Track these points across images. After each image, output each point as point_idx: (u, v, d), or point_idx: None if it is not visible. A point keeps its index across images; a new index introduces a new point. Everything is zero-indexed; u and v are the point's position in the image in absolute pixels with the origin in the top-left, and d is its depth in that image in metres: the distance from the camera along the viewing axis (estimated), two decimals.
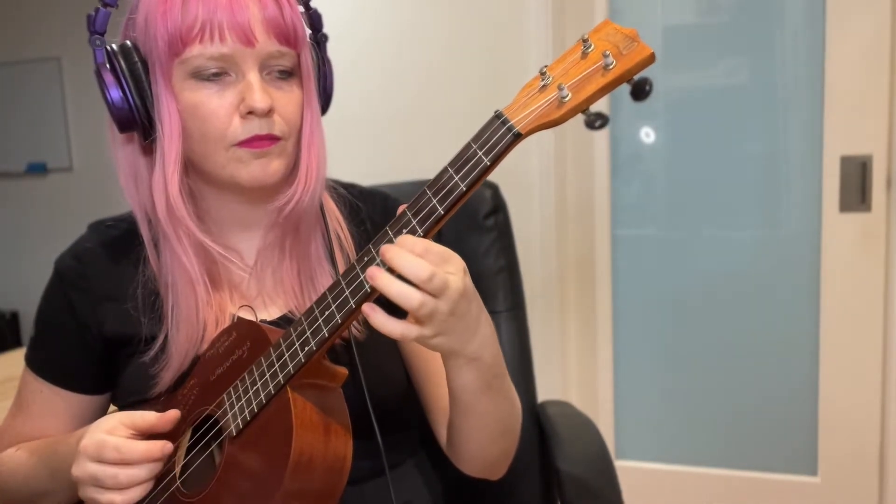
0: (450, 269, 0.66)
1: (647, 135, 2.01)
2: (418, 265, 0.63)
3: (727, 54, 1.92)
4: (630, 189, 2.05)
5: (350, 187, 0.96)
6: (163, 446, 0.73)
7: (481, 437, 0.84)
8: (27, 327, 3.67)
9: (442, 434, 0.91)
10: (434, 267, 0.64)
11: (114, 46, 0.81)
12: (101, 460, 0.72)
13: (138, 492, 0.72)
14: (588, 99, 0.62)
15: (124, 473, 0.71)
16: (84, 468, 0.72)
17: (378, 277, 0.64)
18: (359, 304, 0.67)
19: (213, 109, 0.78)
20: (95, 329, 0.88)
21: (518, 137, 0.63)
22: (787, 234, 1.93)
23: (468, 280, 0.69)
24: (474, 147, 0.64)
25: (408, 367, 0.94)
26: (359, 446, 0.76)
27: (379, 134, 2.03)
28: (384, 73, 2.01)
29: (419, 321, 0.66)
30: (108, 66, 0.81)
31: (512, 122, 0.63)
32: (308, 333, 0.70)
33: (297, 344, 0.70)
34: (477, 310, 0.71)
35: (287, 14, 0.79)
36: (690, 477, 2.07)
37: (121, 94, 0.80)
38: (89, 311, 0.88)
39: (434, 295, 0.64)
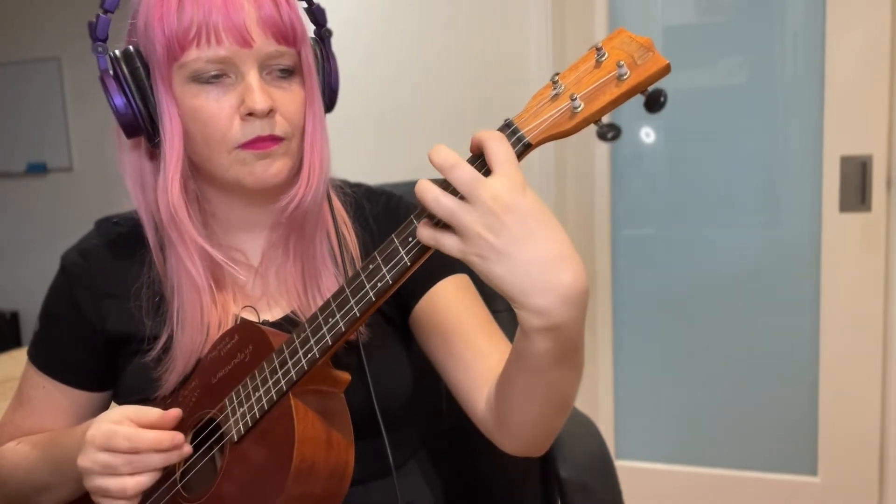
0: (497, 175, 0.60)
1: (647, 135, 2.01)
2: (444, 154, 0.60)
3: (727, 54, 1.92)
4: (630, 189, 2.05)
5: (356, 187, 0.96)
6: (172, 436, 0.73)
7: (542, 410, 0.73)
8: (27, 327, 3.67)
9: (479, 408, 0.82)
10: (466, 164, 0.59)
11: (116, 53, 0.81)
12: (110, 449, 0.72)
13: (149, 479, 0.72)
14: (601, 110, 0.60)
15: (140, 459, 0.71)
16: (92, 457, 0.72)
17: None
18: (363, 313, 0.66)
19: (213, 113, 0.78)
20: (99, 326, 0.88)
21: (528, 147, 0.61)
22: (787, 234, 1.93)
23: (521, 196, 0.59)
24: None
25: (436, 344, 0.88)
26: (362, 447, 0.76)
27: (380, 133, 2.03)
28: (386, 72, 2.01)
29: (458, 232, 0.61)
30: (111, 72, 0.81)
31: (523, 132, 0.61)
32: (311, 341, 0.69)
33: (300, 351, 0.70)
34: (552, 254, 0.59)
35: (284, 12, 0.78)
36: (690, 477, 2.07)
37: (124, 100, 0.80)
38: (93, 309, 0.88)
39: (466, 199, 0.59)
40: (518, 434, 0.78)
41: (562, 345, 0.64)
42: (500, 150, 0.60)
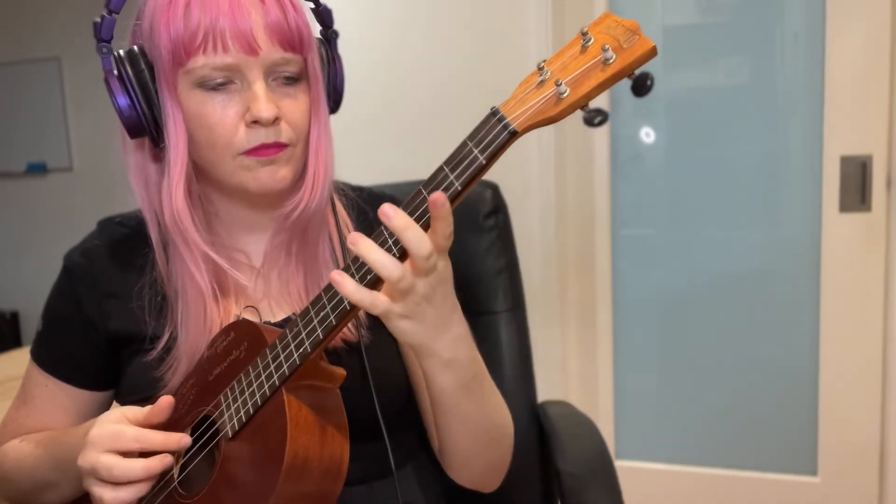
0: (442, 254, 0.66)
1: (647, 135, 2.01)
2: (424, 240, 0.63)
3: (727, 54, 1.92)
4: (630, 189, 2.04)
5: (359, 191, 0.96)
6: (179, 438, 0.73)
7: (467, 444, 0.82)
8: (27, 327, 3.67)
9: (435, 441, 0.90)
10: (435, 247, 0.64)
11: (121, 53, 0.80)
12: (105, 450, 0.72)
13: (135, 490, 0.72)
14: (587, 95, 0.60)
15: (119, 466, 0.71)
16: (95, 458, 0.72)
17: (360, 243, 0.63)
18: (353, 306, 0.66)
19: (218, 119, 0.77)
20: (101, 326, 0.88)
21: (514, 135, 0.61)
22: (787, 234, 1.93)
23: (451, 272, 0.69)
24: (470, 145, 0.62)
25: (407, 366, 0.92)
26: (362, 448, 0.76)
27: (380, 133, 2.03)
28: (386, 73, 2.01)
29: (392, 296, 0.66)
30: (115, 73, 0.80)
31: (508, 119, 0.61)
32: (303, 334, 0.69)
33: (292, 345, 0.70)
34: (451, 306, 0.71)
35: (291, 18, 0.78)
36: (690, 477, 2.06)
37: (128, 101, 0.79)
38: (95, 308, 0.88)
39: (419, 273, 0.64)
40: (459, 469, 0.87)
41: (461, 375, 0.75)
42: (445, 227, 0.64)
